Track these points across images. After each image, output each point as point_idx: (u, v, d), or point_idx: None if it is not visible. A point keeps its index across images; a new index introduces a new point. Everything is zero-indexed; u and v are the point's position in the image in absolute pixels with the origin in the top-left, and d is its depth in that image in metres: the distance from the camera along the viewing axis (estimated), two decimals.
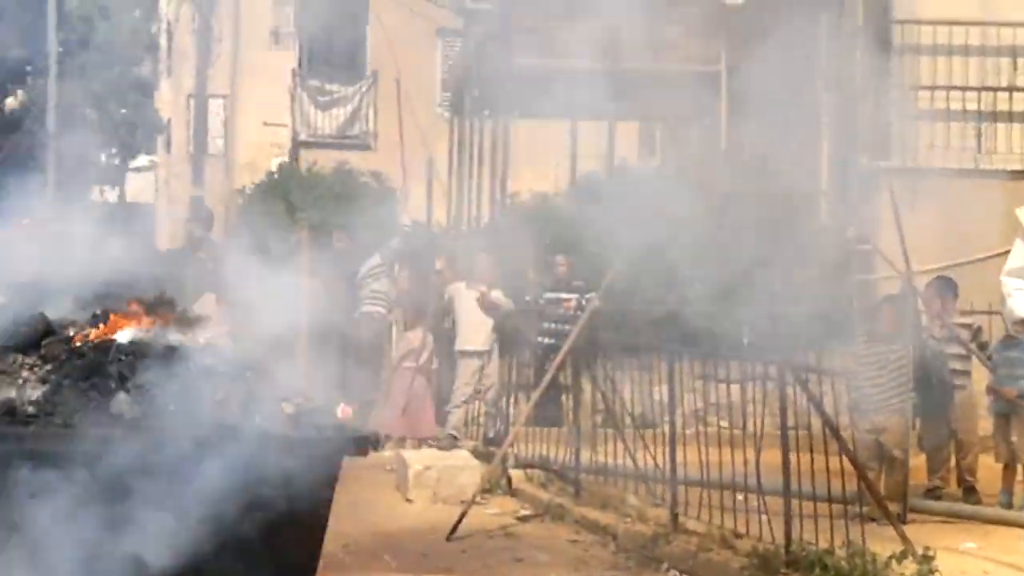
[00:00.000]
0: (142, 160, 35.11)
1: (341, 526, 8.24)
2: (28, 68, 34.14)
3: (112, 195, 33.84)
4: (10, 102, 34.09)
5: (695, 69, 16.90)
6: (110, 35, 33.85)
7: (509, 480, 11.88)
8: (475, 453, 12.62)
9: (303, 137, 27.63)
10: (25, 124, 29.69)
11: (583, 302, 13.58)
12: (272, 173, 25.12)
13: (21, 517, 5.19)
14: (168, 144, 33.17)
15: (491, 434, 13.96)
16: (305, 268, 11.18)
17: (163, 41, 33.16)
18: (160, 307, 6.02)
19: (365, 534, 9.95)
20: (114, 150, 29.93)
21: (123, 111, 28.94)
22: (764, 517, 8.84)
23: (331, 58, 27.89)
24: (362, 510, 10.66)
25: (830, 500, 9.05)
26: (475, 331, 14.16)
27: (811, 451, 8.89)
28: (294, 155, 27.35)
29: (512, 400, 13.75)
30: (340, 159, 24.96)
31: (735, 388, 10.69)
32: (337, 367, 11.63)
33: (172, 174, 32.85)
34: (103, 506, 5.22)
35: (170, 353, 5.65)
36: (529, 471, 12.02)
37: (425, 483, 11.48)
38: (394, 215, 16.70)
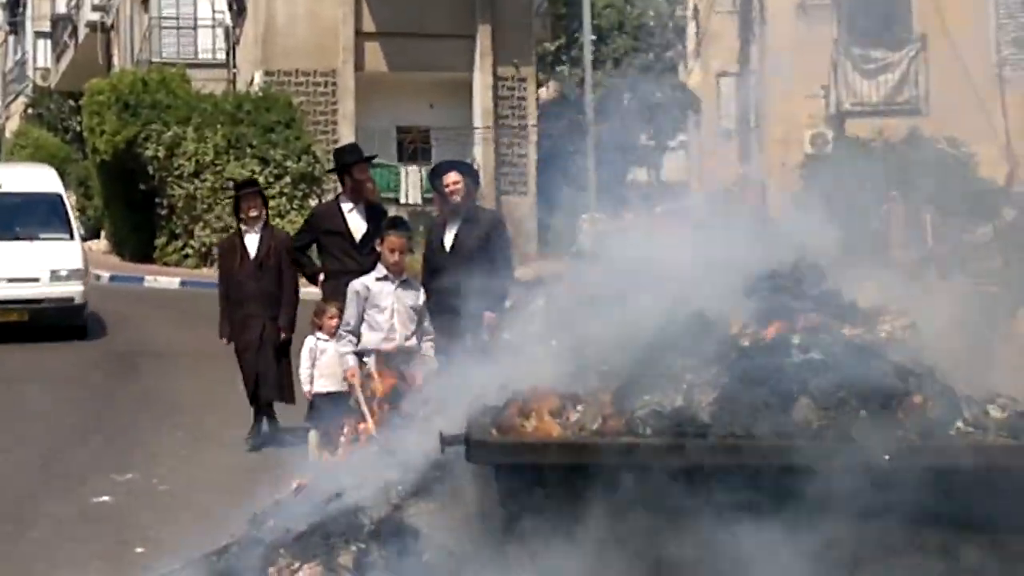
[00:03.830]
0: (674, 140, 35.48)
1: None
2: (563, 58, 35.05)
3: (644, 175, 34.33)
4: (544, 93, 35.03)
5: None
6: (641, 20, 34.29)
7: None
8: None
9: (847, 106, 26.64)
10: (565, 113, 30.35)
11: None
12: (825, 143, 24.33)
13: (713, 540, 4.66)
14: (698, 123, 33.28)
15: None
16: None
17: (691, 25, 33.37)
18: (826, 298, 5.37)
19: None
20: (651, 132, 30.29)
21: (658, 94, 29.16)
22: None
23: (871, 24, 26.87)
24: None
25: None
26: None
27: None
28: (838, 125, 26.41)
29: None
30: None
31: None
32: None
33: (705, 152, 32.91)
34: (797, 527, 4.63)
35: (855, 350, 4.98)
36: None
37: None
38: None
